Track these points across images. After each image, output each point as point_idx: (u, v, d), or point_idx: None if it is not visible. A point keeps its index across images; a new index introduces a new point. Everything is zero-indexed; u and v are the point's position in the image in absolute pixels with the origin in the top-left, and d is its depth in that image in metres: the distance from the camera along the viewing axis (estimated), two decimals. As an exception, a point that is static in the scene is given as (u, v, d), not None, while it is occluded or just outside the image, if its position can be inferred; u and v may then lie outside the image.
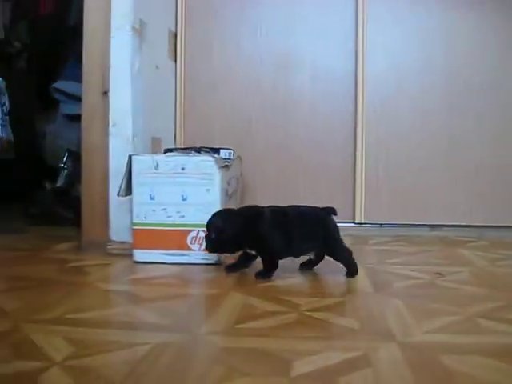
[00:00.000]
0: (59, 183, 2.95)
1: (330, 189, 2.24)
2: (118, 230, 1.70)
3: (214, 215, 1.39)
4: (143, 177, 1.55)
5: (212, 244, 1.38)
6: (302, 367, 0.77)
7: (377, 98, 2.22)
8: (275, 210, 1.43)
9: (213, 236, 1.36)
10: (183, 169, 1.53)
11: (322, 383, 0.73)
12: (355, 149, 2.23)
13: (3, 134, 3.43)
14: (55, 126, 3.04)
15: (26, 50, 4.22)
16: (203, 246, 1.51)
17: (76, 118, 2.88)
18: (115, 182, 1.68)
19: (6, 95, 3.46)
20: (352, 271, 1.40)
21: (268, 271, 1.38)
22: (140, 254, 1.55)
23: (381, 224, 2.23)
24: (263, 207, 1.45)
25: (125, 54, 1.73)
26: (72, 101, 2.85)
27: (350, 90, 2.24)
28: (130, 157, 1.57)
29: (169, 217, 1.53)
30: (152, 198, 1.54)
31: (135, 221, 1.55)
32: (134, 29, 1.75)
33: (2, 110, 3.45)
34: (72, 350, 0.83)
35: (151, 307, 1.10)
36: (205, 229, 1.39)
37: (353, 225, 2.23)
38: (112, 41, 1.73)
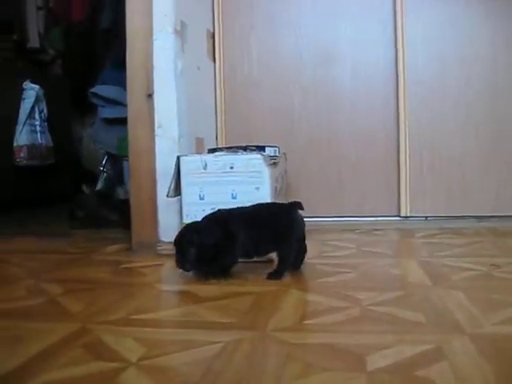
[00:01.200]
0: (99, 186, 2.98)
1: (374, 183, 2.23)
2: (167, 231, 1.71)
3: (187, 230, 1.33)
4: (192, 177, 1.56)
5: (193, 261, 1.30)
6: (376, 361, 0.77)
7: (419, 90, 2.19)
8: (241, 212, 1.37)
9: (192, 252, 1.28)
10: (232, 168, 1.53)
11: (401, 377, 0.72)
12: (398, 142, 2.20)
13: (43, 141, 3.50)
14: (94, 130, 3.08)
15: (60, 57, 4.29)
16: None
17: (114, 122, 2.92)
18: (163, 183, 1.70)
19: (44, 102, 3.52)
20: (278, 272, 1.34)
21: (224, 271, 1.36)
22: (191, 254, 1.56)
23: (426, 217, 2.21)
24: (227, 210, 1.38)
25: (168, 56, 1.74)
26: (110, 105, 2.89)
27: (391, 83, 2.21)
28: (178, 158, 1.58)
29: (219, 216, 1.54)
30: (201, 198, 1.55)
31: (185, 221, 1.56)
32: (175, 30, 1.76)
33: (41, 117, 3.51)
34: (144, 350, 0.83)
35: (213, 306, 1.10)
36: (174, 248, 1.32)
37: (398, 218, 2.21)
38: (154, 43, 1.75)
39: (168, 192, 1.60)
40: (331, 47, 2.26)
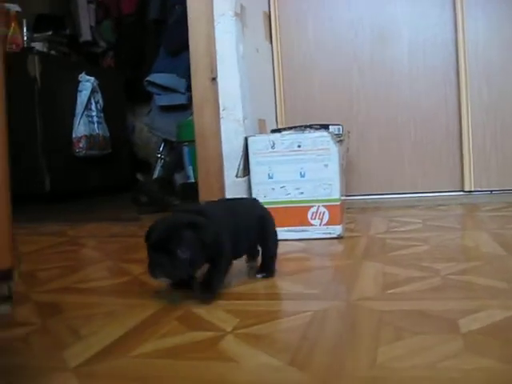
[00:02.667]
0: (157, 173, 3.05)
1: (437, 159, 2.21)
2: (235, 211, 1.75)
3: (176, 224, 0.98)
4: (260, 157, 1.58)
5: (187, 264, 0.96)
6: (469, 325, 0.78)
7: (480, 66, 2.16)
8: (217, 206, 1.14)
9: (185, 255, 0.94)
10: (299, 146, 1.55)
11: (496, 339, 0.73)
12: (460, 117, 2.18)
13: (100, 131, 3.59)
14: (150, 118, 3.14)
15: (112, 49, 4.38)
16: (324, 221, 1.54)
17: (170, 109, 2.98)
18: (229, 163, 1.74)
19: (99, 93, 3.61)
20: (271, 271, 1.16)
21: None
22: (262, 233, 1.59)
23: (491, 191, 2.18)
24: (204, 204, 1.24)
25: (230, 40, 1.77)
26: (166, 92, 2.94)
27: (451, 60, 2.18)
28: (245, 138, 1.61)
29: (288, 194, 1.57)
30: (270, 177, 1.58)
31: (255, 200, 1.59)
32: (236, 14, 1.78)
33: (97, 108, 3.61)
34: (238, 321, 0.86)
35: (295, 279, 1.13)
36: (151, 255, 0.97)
37: (462, 193, 2.19)
38: (216, 27, 1.77)
39: (237, 172, 1.64)
40: (387, 26, 2.24)
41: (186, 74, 2.91)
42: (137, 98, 4.02)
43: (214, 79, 1.77)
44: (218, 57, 1.77)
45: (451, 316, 0.82)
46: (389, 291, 0.99)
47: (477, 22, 2.15)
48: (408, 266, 1.17)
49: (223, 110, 1.76)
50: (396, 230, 1.66)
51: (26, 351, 0.80)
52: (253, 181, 1.60)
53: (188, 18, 1.79)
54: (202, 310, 0.94)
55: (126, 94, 4.12)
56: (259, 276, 1.14)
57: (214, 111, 1.77)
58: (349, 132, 1.98)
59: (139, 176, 4.25)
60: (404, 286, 1.01)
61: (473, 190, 2.17)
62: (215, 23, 1.77)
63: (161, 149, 3.08)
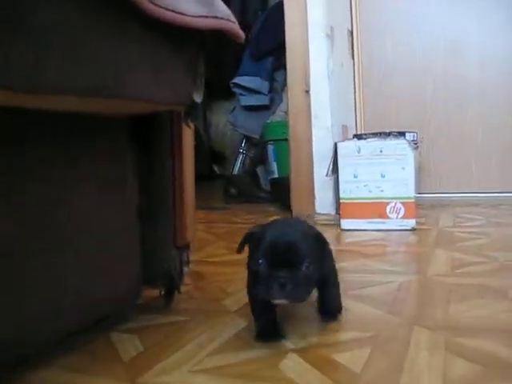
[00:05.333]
0: (238, 166, 3.36)
1: (500, 162, 2.46)
2: (322, 204, 2.07)
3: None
4: (347, 159, 1.89)
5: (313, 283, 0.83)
6: (517, 294, 1.07)
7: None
8: None
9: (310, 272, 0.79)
10: (381, 151, 1.85)
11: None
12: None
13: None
14: (234, 116, 3.44)
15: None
16: (400, 215, 1.83)
17: (252, 109, 3.29)
18: (318, 164, 2.06)
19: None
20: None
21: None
22: (347, 223, 1.90)
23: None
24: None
25: (321, 57, 2.08)
26: (249, 93, 3.26)
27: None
28: (335, 144, 1.92)
29: (370, 191, 1.86)
30: (355, 177, 1.88)
31: (342, 196, 1.90)
32: (327, 35, 2.09)
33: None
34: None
35: (380, 260, 1.44)
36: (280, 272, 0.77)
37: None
38: (310, 47, 2.08)
39: (327, 172, 1.95)
40: (460, 38, 2.50)
41: (269, 77, 3.24)
42: (213, 95, 4.37)
43: (307, 92, 2.08)
44: (311, 72, 2.08)
45: (503, 288, 1.11)
46: (457, 271, 1.28)
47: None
48: (472, 253, 1.45)
49: (314, 117, 2.08)
50: (462, 224, 1.93)
51: (194, 301, 1.13)
52: (341, 179, 1.91)
53: (286, 39, 2.10)
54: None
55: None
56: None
57: (306, 119, 2.08)
58: (422, 138, 2.26)
59: (216, 168, 4.61)
60: (469, 268, 1.30)
61: (533, 191, 2.42)
62: (309, 44, 2.08)
63: (242, 145, 3.40)
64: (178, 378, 0.74)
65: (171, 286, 1.05)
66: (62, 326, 0.81)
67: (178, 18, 0.67)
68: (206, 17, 0.73)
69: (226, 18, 0.77)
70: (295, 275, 0.77)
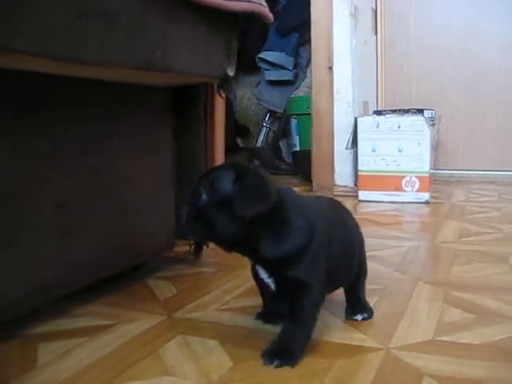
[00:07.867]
0: (261, 139, 3.45)
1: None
2: (341, 176, 2.17)
3: None
4: (366, 134, 1.98)
5: None
6: (516, 260, 1.17)
7: None
8: None
9: None
10: (399, 127, 1.94)
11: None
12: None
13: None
14: (258, 90, 3.51)
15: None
16: (415, 189, 1.93)
17: (276, 83, 3.37)
18: (338, 138, 2.15)
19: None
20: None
21: None
22: (364, 194, 2.01)
23: None
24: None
25: (344, 36, 2.16)
26: (274, 68, 3.33)
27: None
28: (355, 118, 2.01)
29: (387, 165, 1.96)
30: (373, 151, 1.97)
31: (360, 168, 2.00)
32: (350, 14, 2.17)
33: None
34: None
35: (392, 228, 1.55)
36: None
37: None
38: (334, 26, 2.16)
39: (347, 145, 2.05)
40: (479, 23, 2.56)
41: (294, 53, 3.31)
42: (238, 69, 4.44)
43: (330, 68, 2.17)
44: (334, 50, 2.16)
45: (504, 255, 1.21)
46: (463, 239, 1.38)
47: None
48: (480, 224, 1.55)
49: (337, 93, 2.17)
50: (474, 199, 2.02)
51: (221, 255, 1.25)
52: (359, 153, 2.00)
53: (311, 18, 2.19)
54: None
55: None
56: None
57: (329, 94, 2.17)
58: (440, 116, 2.34)
59: (239, 141, 4.70)
60: (474, 237, 1.40)
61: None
62: (334, 22, 2.16)
63: (266, 118, 3.49)
64: (208, 314, 0.86)
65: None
66: (105, 268, 0.93)
67: (217, 3, 0.77)
68: (241, 0, 0.83)
69: (258, 2, 0.87)
70: None
